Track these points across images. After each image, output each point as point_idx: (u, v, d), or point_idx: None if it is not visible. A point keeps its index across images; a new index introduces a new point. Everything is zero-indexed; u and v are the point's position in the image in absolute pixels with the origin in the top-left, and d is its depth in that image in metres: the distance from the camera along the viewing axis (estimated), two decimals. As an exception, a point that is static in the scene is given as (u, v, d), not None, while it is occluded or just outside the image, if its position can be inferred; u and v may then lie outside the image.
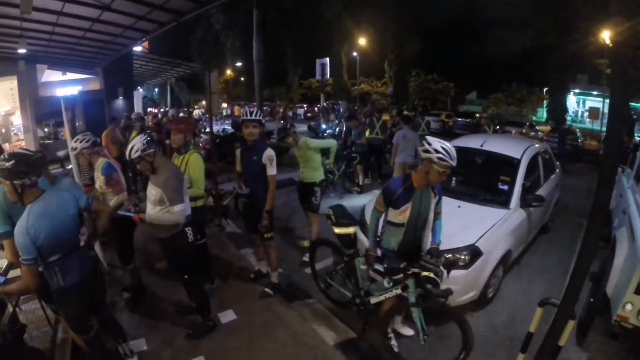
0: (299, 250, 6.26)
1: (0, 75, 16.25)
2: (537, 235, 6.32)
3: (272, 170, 4.52)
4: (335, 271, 4.66)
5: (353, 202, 8.65)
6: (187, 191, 3.97)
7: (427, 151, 3.26)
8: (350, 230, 4.29)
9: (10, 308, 3.53)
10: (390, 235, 3.67)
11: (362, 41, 35.13)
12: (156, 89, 44.90)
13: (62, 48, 14.44)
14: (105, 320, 3.55)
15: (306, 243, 6.20)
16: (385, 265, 3.62)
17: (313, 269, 4.97)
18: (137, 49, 17.75)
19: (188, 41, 25.86)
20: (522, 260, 5.89)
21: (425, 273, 3.23)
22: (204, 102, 38.68)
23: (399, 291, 3.54)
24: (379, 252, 3.77)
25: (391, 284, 3.66)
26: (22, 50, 12.89)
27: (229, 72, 39.22)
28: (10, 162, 2.64)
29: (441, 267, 3.32)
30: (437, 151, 3.21)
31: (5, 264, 3.28)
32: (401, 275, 3.43)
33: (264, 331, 4.23)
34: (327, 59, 16.25)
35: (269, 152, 4.50)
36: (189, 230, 3.93)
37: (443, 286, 3.34)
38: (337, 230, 4.30)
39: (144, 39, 13.45)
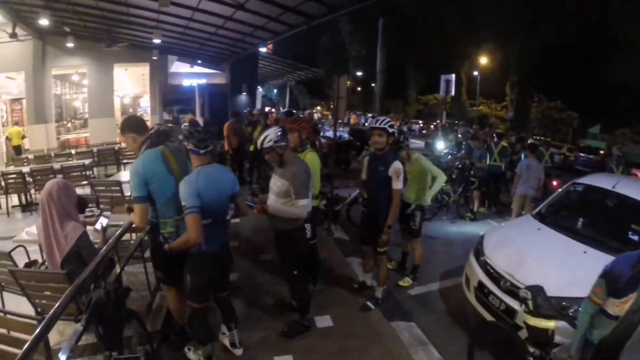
0: (400, 269, 5.99)
1: (135, 61, 17.92)
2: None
3: (397, 184, 4.34)
4: None
5: (464, 228, 8.27)
6: (312, 187, 4.00)
7: None
8: (550, 325, 3.06)
9: (117, 269, 3.79)
10: (595, 326, 2.86)
11: (484, 60, 33.77)
12: (275, 90, 46.74)
13: (194, 42, 15.50)
14: (222, 300, 3.71)
15: (392, 265, 5.95)
16: None
17: None
18: (262, 49, 18.47)
19: (311, 46, 26.60)
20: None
21: None
22: (319, 107, 39.42)
23: None
24: None
25: None
26: (156, 41, 13.99)
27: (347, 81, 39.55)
28: (186, 125, 3.31)
29: None
30: None
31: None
32: None
33: (358, 344, 4.07)
34: (453, 76, 15.80)
35: (397, 165, 4.34)
36: (308, 226, 3.99)
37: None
38: (531, 321, 3.06)
39: (273, 40, 13.96)
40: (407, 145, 5.53)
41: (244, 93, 19.82)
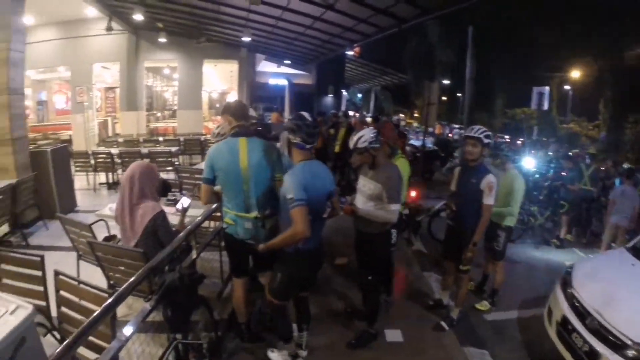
0: (478, 291, 5.51)
1: (224, 58, 18.48)
2: None
3: (488, 199, 4.00)
4: None
5: (548, 255, 7.57)
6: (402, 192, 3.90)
7: None
8: None
9: (194, 254, 3.83)
10: None
11: (577, 74, 31.57)
12: (359, 95, 46.56)
13: (282, 41, 15.75)
14: (301, 300, 3.58)
15: (470, 286, 5.37)
16: None
17: None
18: (349, 52, 18.47)
19: (398, 51, 25.95)
20: None
21: None
22: (402, 115, 38.78)
23: None
24: None
25: None
26: (245, 39, 14.37)
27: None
28: (291, 118, 3.08)
29: None
30: None
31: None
32: None
33: (428, 366, 3.77)
34: (547, 88, 14.72)
35: (490, 179, 3.99)
36: (394, 231, 3.95)
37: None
38: None
39: (361, 42, 13.83)
40: (505, 155, 5.22)
41: (330, 95, 19.83)
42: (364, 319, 4.10)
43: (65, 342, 1.91)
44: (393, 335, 4.17)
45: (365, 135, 3.56)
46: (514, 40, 30.70)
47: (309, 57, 18.66)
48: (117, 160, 9.79)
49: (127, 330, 2.30)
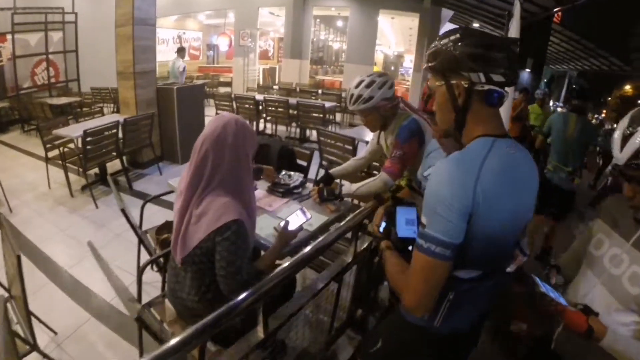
0: None
1: (403, 9, 16.40)
2: None
3: None
4: None
5: None
6: None
7: None
8: None
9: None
10: None
11: None
12: (545, 80, 39.57)
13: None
14: None
15: None
16: None
17: None
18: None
19: (619, 27, 19.66)
20: None
21: None
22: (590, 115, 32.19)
23: None
24: None
25: None
26: None
27: (628, 87, 24.64)
28: (456, 36, 1.15)
29: None
30: None
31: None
32: None
33: None
34: None
35: None
36: None
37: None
38: None
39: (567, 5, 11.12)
40: None
41: (527, 70, 16.33)
42: None
43: None
44: None
45: None
46: None
47: (505, 18, 15.58)
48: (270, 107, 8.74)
49: None
